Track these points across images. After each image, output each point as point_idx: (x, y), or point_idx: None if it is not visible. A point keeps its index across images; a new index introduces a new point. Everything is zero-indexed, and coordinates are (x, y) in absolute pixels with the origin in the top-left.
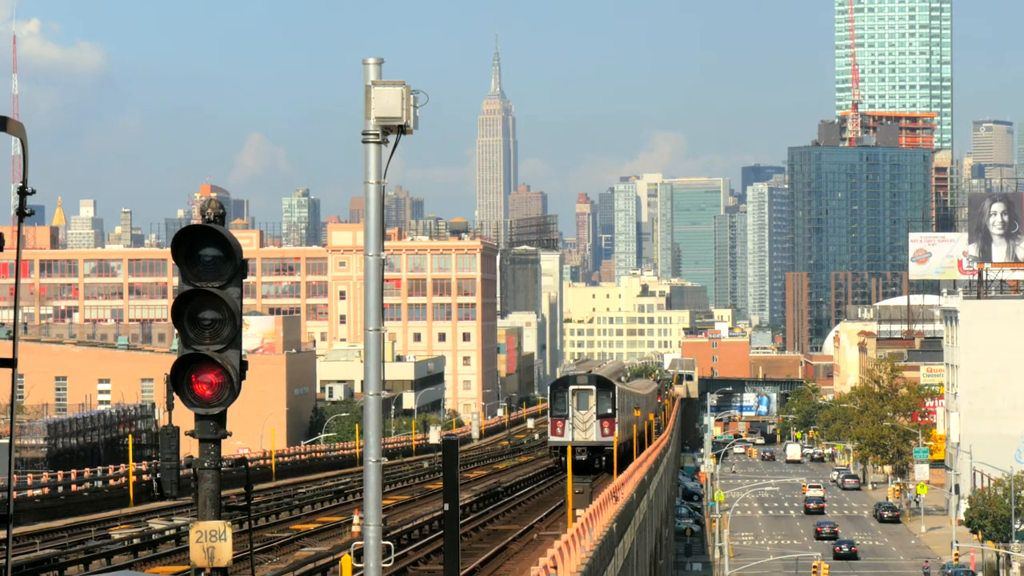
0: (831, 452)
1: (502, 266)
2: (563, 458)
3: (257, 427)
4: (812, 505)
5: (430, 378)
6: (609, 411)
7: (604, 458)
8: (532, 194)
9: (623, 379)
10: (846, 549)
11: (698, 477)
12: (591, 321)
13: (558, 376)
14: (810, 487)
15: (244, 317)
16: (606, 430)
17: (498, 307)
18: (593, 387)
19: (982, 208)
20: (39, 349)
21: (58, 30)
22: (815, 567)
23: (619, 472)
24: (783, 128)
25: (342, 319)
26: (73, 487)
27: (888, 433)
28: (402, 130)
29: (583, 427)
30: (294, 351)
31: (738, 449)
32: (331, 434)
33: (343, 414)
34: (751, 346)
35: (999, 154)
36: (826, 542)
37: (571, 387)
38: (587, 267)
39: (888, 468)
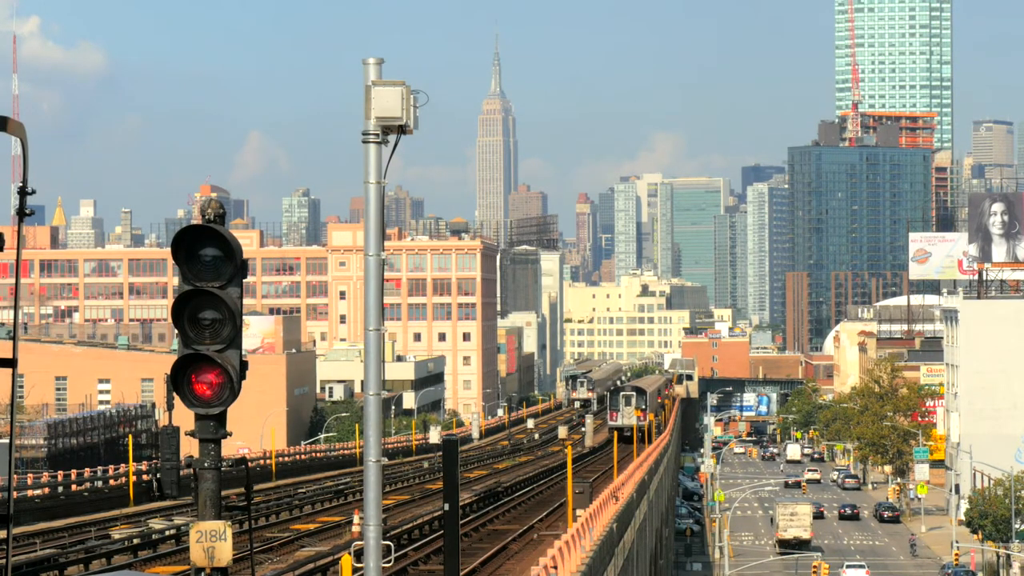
0: (822, 451)
1: (502, 266)
2: (616, 433)
3: (257, 427)
4: (791, 481)
5: (430, 378)
6: (643, 407)
7: (639, 434)
8: (532, 194)
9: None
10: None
11: (698, 477)
12: (591, 321)
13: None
14: (808, 471)
15: (244, 317)
16: (640, 418)
17: (498, 307)
18: (633, 393)
19: (982, 208)
20: (39, 349)
21: (59, 30)
22: (815, 567)
23: (648, 441)
24: (783, 128)
25: (342, 319)
26: (73, 487)
27: (888, 433)
28: (402, 130)
29: (628, 416)
30: (294, 351)
31: (738, 449)
32: (331, 434)
33: (343, 414)
34: (751, 346)
35: (999, 154)
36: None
37: (621, 393)
38: (587, 267)
39: (888, 468)
